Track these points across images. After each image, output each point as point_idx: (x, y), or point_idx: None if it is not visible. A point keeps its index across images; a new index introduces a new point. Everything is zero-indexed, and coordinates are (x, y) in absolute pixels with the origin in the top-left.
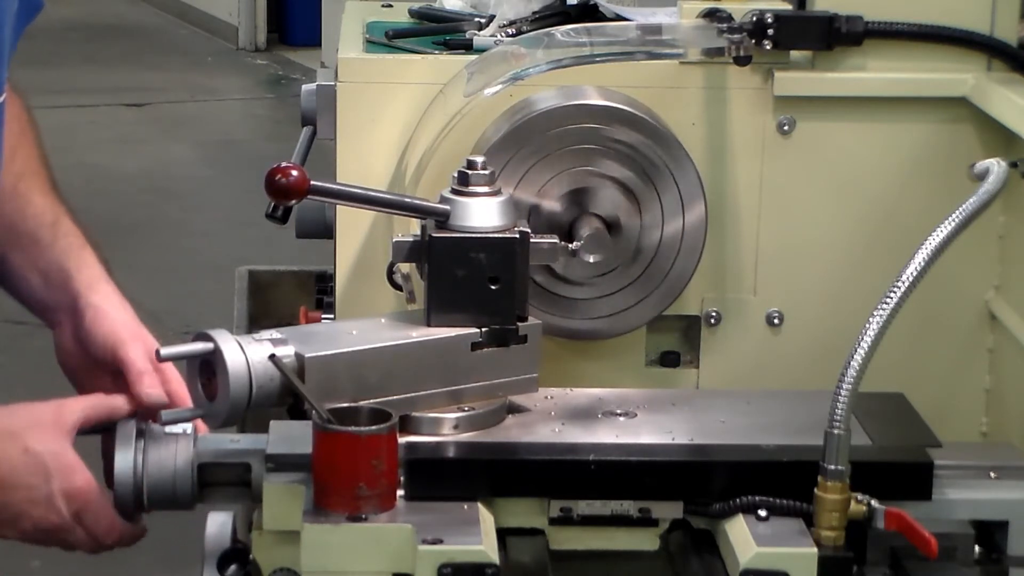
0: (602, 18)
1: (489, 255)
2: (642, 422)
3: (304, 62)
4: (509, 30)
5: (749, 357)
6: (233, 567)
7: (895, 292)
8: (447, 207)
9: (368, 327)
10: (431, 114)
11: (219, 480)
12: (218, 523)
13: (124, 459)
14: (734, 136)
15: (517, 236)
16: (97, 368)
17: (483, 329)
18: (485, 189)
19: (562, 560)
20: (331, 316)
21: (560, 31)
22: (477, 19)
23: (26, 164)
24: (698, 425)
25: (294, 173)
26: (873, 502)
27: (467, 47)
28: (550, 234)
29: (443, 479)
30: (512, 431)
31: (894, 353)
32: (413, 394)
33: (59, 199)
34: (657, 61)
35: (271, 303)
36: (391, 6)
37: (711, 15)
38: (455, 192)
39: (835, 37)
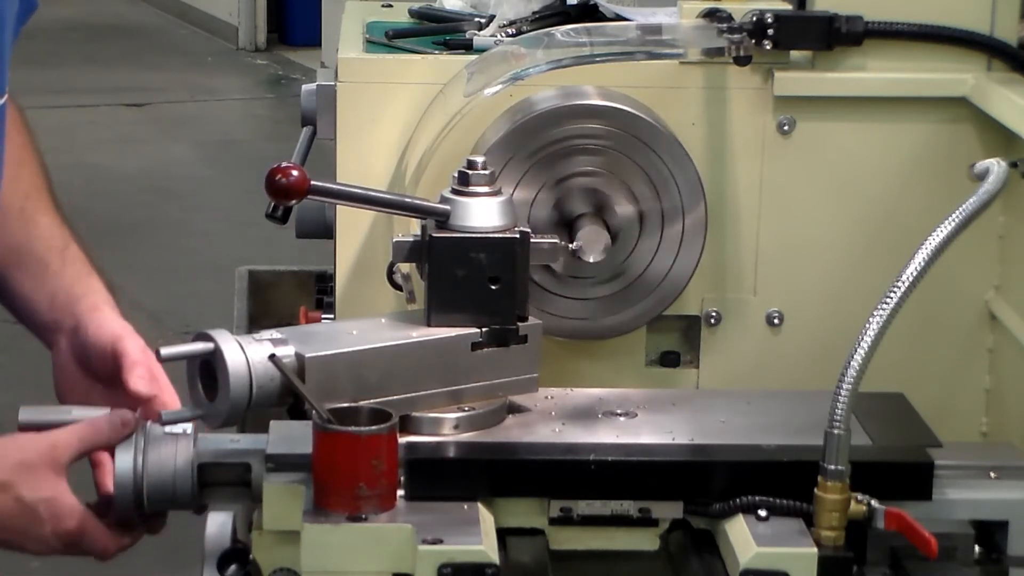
0: (602, 18)
1: (489, 255)
2: (642, 422)
3: (304, 62)
4: (509, 30)
5: (749, 357)
6: (233, 567)
7: (895, 292)
8: (447, 207)
9: (368, 327)
10: (431, 114)
11: (219, 480)
12: (218, 523)
13: (124, 459)
14: (734, 136)
15: (517, 236)
16: (91, 384)
17: (483, 329)
18: (485, 189)
19: (562, 560)
20: (331, 316)
21: (560, 31)
22: (477, 19)
23: (31, 182)
24: (698, 425)
25: (294, 173)
26: (873, 502)
27: (467, 47)
28: (550, 234)
29: (443, 479)
30: (512, 431)
31: (894, 353)
32: (413, 394)
33: (64, 219)
34: (657, 61)
35: (271, 303)
36: (391, 6)
37: (711, 15)
38: (455, 192)
39: (835, 37)
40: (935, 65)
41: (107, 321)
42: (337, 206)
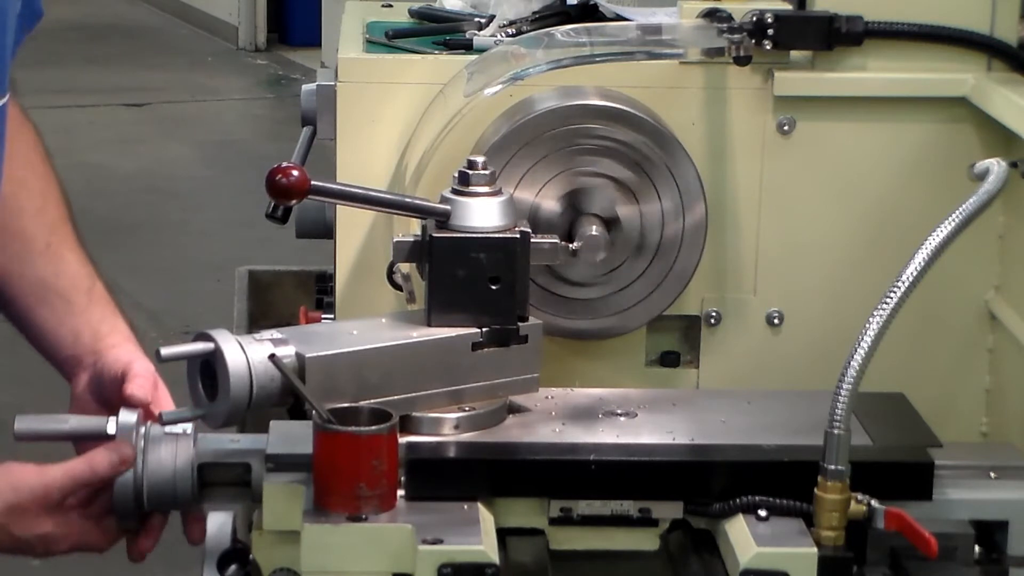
0: (602, 18)
1: (490, 255)
2: (643, 422)
3: (304, 62)
4: (509, 30)
5: (749, 357)
6: (233, 567)
7: (895, 292)
8: (448, 207)
9: (369, 327)
10: (431, 114)
11: (219, 480)
12: (218, 523)
13: None
14: (734, 136)
15: (518, 236)
16: (105, 411)
17: (484, 329)
18: (486, 189)
19: (562, 560)
20: (331, 316)
21: (560, 31)
22: (477, 19)
23: (57, 215)
24: (698, 425)
25: (295, 173)
26: (873, 502)
27: (467, 47)
28: (550, 234)
29: (443, 479)
30: (513, 431)
31: (894, 353)
32: (414, 394)
33: (87, 255)
34: (657, 61)
35: (271, 303)
36: (391, 6)
37: (711, 15)
38: (456, 192)
39: (835, 37)
40: (935, 65)
41: (123, 352)
42: (337, 206)
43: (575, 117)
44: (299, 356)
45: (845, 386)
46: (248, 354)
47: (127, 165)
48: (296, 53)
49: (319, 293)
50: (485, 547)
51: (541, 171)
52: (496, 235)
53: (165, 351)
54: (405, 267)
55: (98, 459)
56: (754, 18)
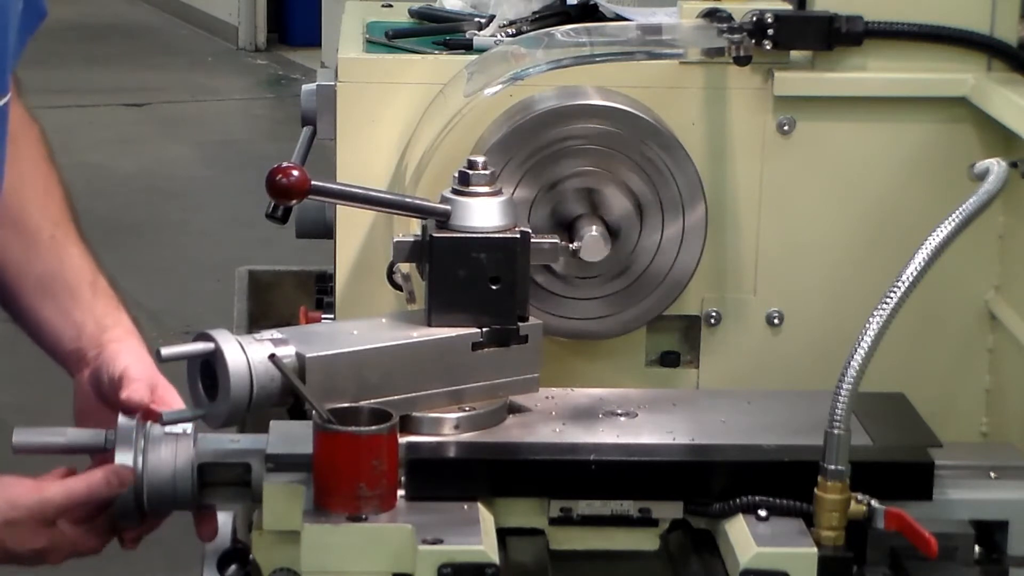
0: (602, 18)
1: (490, 255)
2: (643, 422)
3: (304, 62)
4: (509, 30)
5: (749, 357)
6: (233, 567)
7: (895, 292)
8: (448, 207)
9: (369, 327)
10: (431, 114)
11: (219, 480)
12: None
13: (124, 459)
14: (734, 136)
15: (518, 236)
16: (108, 414)
17: (484, 329)
18: (486, 189)
19: (562, 560)
20: (331, 316)
21: (560, 31)
22: (477, 19)
23: (60, 209)
24: (699, 425)
25: (295, 173)
26: (873, 502)
27: (467, 47)
28: (550, 234)
29: (443, 479)
30: (513, 431)
31: (894, 353)
32: (414, 394)
33: (90, 249)
34: (657, 61)
35: (271, 303)
36: (391, 6)
37: (711, 15)
38: (456, 192)
39: (835, 37)
40: (935, 65)
41: (124, 352)
42: (337, 206)
43: (575, 117)
44: (299, 356)
45: (845, 386)
46: (248, 354)
47: (127, 165)
48: (296, 53)
49: (319, 293)
50: (485, 547)
51: (541, 171)
52: (496, 235)
53: (165, 351)
54: (405, 267)
55: (96, 480)
56: (754, 18)
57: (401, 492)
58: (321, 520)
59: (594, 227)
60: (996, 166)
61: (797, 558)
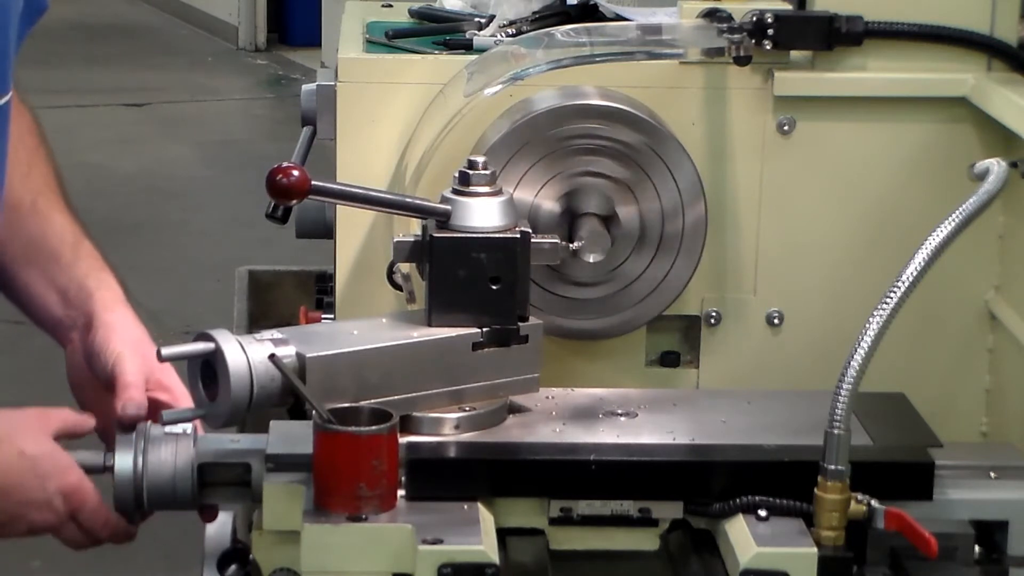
0: (602, 18)
1: (490, 255)
2: (643, 422)
3: (304, 62)
4: (509, 30)
5: (749, 357)
6: (233, 567)
7: (895, 292)
8: (448, 207)
9: (369, 327)
10: (431, 114)
11: (219, 480)
12: (218, 523)
13: (124, 459)
14: (734, 136)
15: (518, 236)
16: (101, 385)
17: (484, 329)
18: (486, 189)
19: (562, 560)
20: (331, 316)
21: (560, 31)
22: (477, 19)
23: (44, 181)
24: (699, 425)
25: (295, 173)
26: (873, 502)
27: (467, 47)
28: (550, 234)
29: (443, 479)
30: (513, 431)
31: (894, 353)
32: (414, 394)
33: (76, 218)
34: (657, 61)
35: (271, 303)
36: (391, 6)
37: (711, 15)
38: (456, 192)
39: (835, 37)
40: (935, 65)
41: (114, 332)
42: (337, 206)
43: (575, 117)
44: (299, 356)
45: (845, 386)
46: (248, 354)
47: (127, 165)
48: (296, 53)
49: (319, 293)
50: (485, 547)
51: (541, 171)
52: (496, 235)
53: (165, 351)
54: (405, 267)
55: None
56: (754, 18)
57: (401, 492)
58: (321, 520)
59: (594, 227)
60: (996, 166)
61: (797, 558)
